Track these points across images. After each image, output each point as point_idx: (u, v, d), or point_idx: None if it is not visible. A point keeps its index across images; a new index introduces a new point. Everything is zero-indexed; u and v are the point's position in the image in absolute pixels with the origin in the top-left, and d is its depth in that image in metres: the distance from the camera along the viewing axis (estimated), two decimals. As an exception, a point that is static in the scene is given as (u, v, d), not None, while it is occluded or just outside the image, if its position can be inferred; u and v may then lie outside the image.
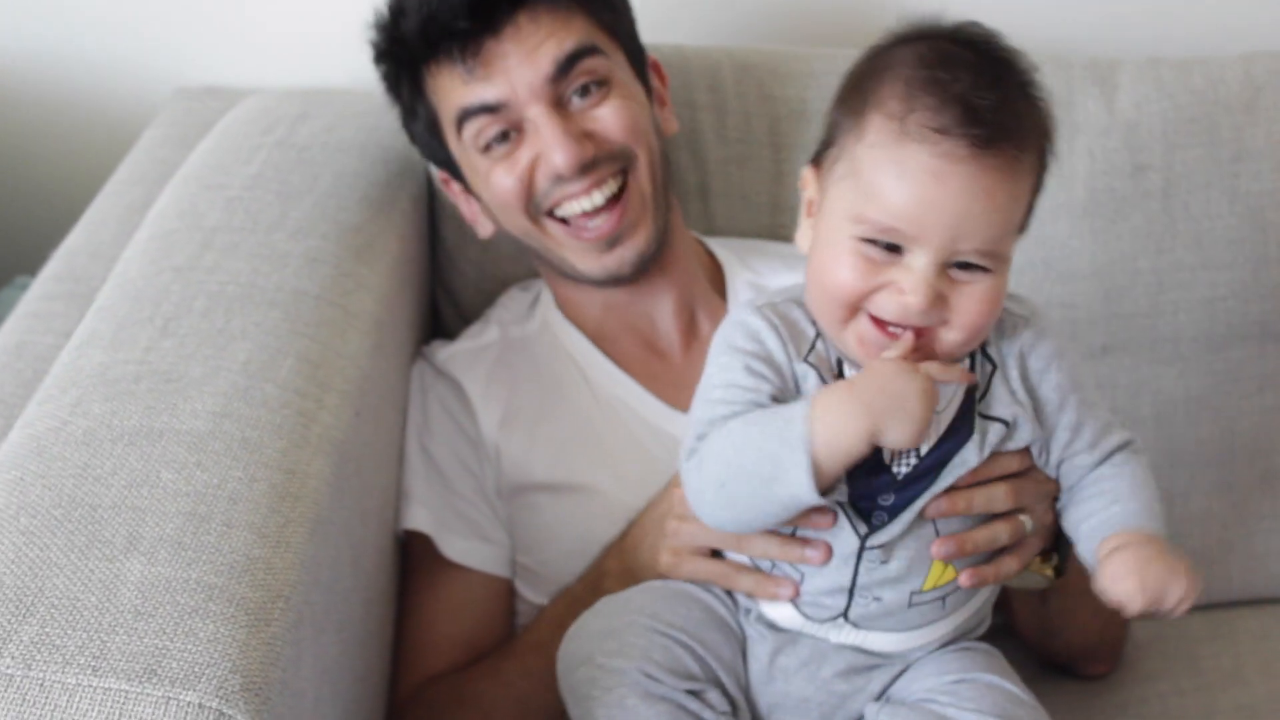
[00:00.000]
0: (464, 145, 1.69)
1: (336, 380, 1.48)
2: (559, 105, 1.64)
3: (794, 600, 1.38)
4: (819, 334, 1.34)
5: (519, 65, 1.63)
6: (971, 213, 1.23)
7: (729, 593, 1.45)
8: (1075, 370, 1.37)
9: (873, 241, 1.25)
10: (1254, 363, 1.94)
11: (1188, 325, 1.93)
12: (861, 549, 1.33)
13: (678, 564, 1.48)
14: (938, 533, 1.34)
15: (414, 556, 1.72)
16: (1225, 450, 1.96)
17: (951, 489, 1.33)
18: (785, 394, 1.32)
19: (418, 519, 1.69)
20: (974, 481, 1.34)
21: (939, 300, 1.25)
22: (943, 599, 1.37)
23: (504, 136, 1.65)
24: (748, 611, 1.43)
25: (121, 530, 1.22)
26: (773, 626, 1.41)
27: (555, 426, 1.74)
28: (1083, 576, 1.62)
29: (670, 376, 1.77)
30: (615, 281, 1.72)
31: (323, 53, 2.10)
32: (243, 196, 1.68)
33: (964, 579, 1.36)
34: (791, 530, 1.36)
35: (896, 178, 1.24)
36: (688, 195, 1.96)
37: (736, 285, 1.83)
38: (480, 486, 1.73)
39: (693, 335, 1.79)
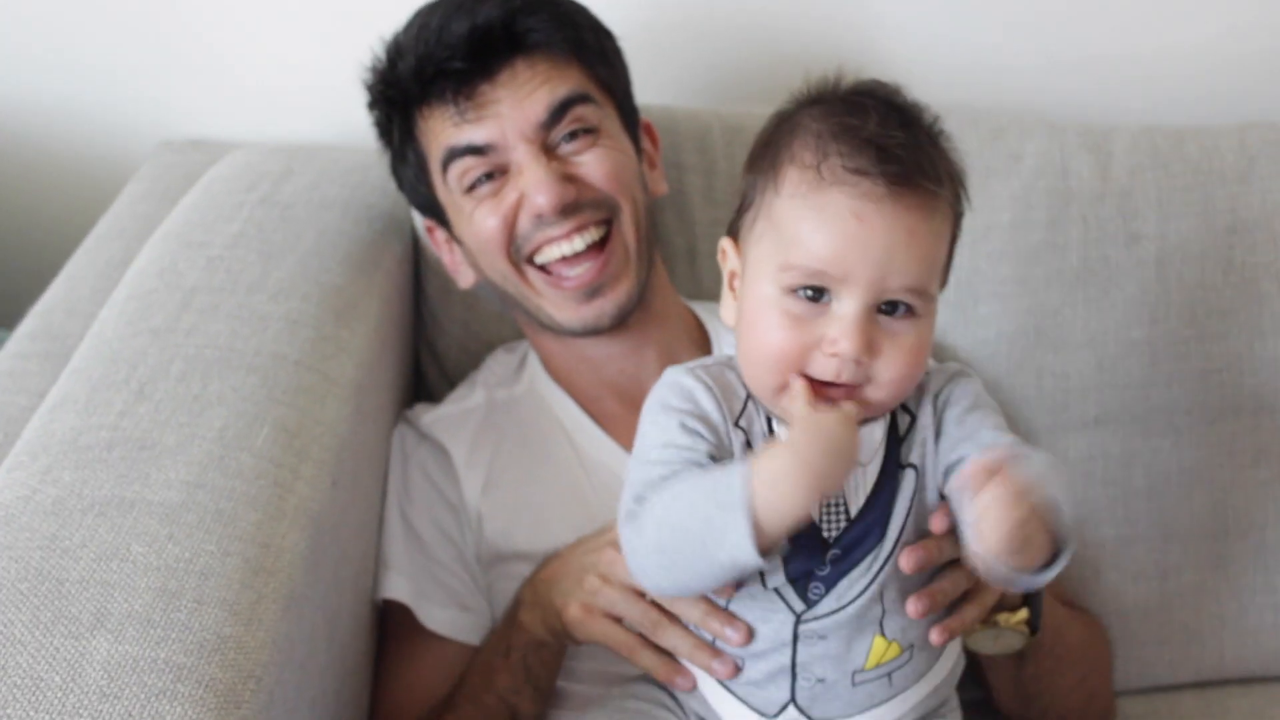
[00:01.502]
0: (449, 186, 1.68)
1: (314, 449, 1.46)
2: (546, 149, 1.65)
3: (740, 696, 1.36)
4: (750, 396, 1.34)
5: (511, 110, 1.63)
6: (896, 249, 1.23)
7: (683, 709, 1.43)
8: (988, 410, 1.34)
9: (798, 294, 1.26)
10: (1248, 435, 1.92)
11: (1181, 397, 1.90)
12: (797, 625, 1.31)
13: (586, 622, 1.47)
14: (883, 606, 1.31)
15: (392, 624, 1.70)
16: (1219, 524, 1.93)
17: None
18: (721, 452, 1.31)
19: (396, 588, 1.67)
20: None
21: (870, 348, 1.24)
22: (888, 676, 1.34)
23: (489, 177, 1.66)
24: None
25: (89, 606, 1.20)
26: None
27: (540, 493, 1.72)
28: (1058, 640, 1.61)
29: (655, 440, 1.75)
30: (593, 332, 1.71)
31: (309, 107, 2.09)
32: (224, 255, 1.67)
33: (934, 636, 1.34)
34: (725, 603, 1.34)
35: (819, 223, 1.25)
36: (675, 258, 1.95)
37: (722, 349, 1.82)
38: (460, 554, 1.71)
39: None
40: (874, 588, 1.30)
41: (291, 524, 1.36)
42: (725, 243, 1.37)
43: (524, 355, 1.84)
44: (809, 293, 1.25)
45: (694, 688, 1.39)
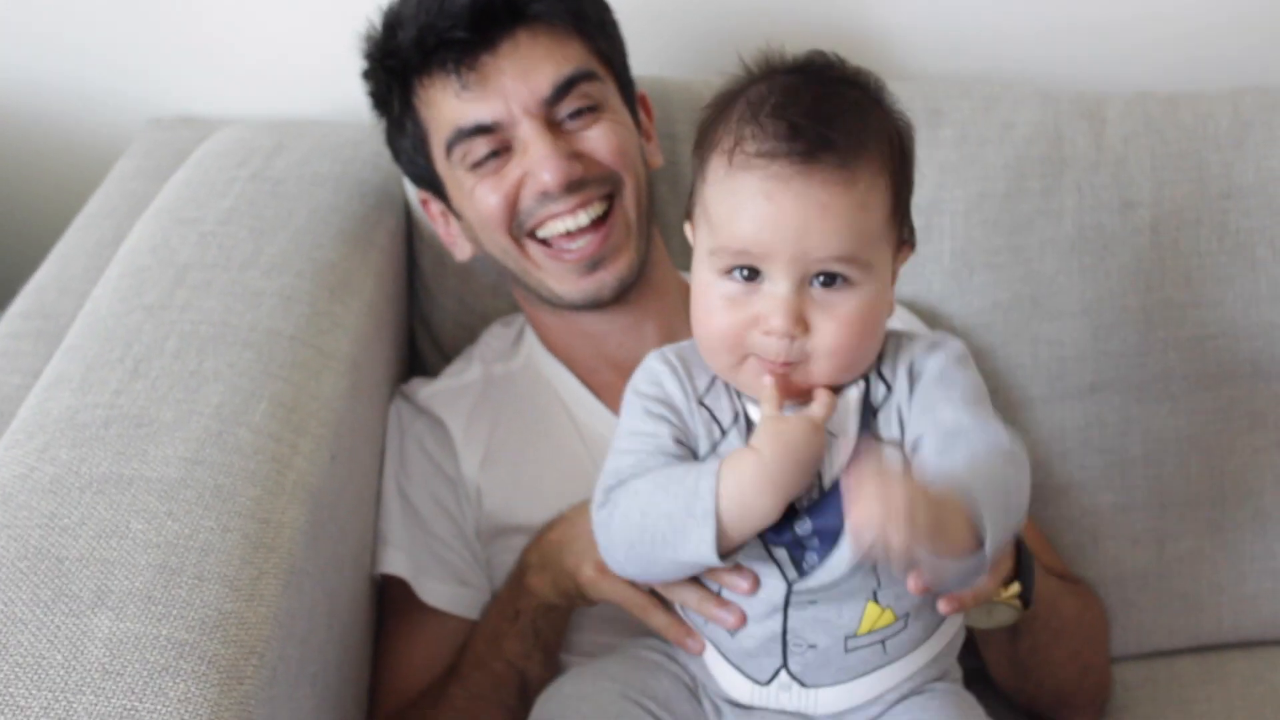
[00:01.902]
0: (451, 163, 1.68)
1: (312, 424, 1.46)
2: (551, 124, 1.65)
3: (734, 663, 1.38)
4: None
5: (514, 83, 1.63)
6: (810, 224, 1.25)
7: (689, 674, 1.45)
8: (953, 383, 1.33)
9: (733, 274, 1.28)
10: (1244, 401, 1.92)
11: (1177, 364, 1.90)
12: (789, 593, 1.32)
13: (600, 582, 1.49)
14: (878, 578, 1.31)
15: (391, 600, 1.70)
16: (1216, 490, 1.93)
17: None
18: (686, 435, 1.34)
19: (394, 564, 1.67)
20: None
21: (801, 322, 1.27)
22: (882, 643, 1.34)
23: (493, 154, 1.66)
24: (703, 686, 1.42)
25: (89, 584, 1.20)
26: (728, 702, 1.40)
27: (538, 466, 1.71)
28: (1052, 613, 1.60)
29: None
30: (593, 306, 1.71)
31: (299, 82, 2.08)
32: (216, 232, 1.66)
33: (942, 606, 1.33)
34: (718, 588, 1.36)
35: (734, 207, 1.27)
36: (670, 230, 1.92)
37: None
38: (459, 529, 1.70)
39: None
40: (865, 561, 1.30)
41: (291, 499, 1.36)
42: (687, 226, 1.39)
43: (520, 329, 1.84)
44: (744, 273, 1.28)
45: (703, 650, 1.41)
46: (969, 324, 1.91)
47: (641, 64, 1.87)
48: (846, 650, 1.33)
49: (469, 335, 1.89)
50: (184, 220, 1.69)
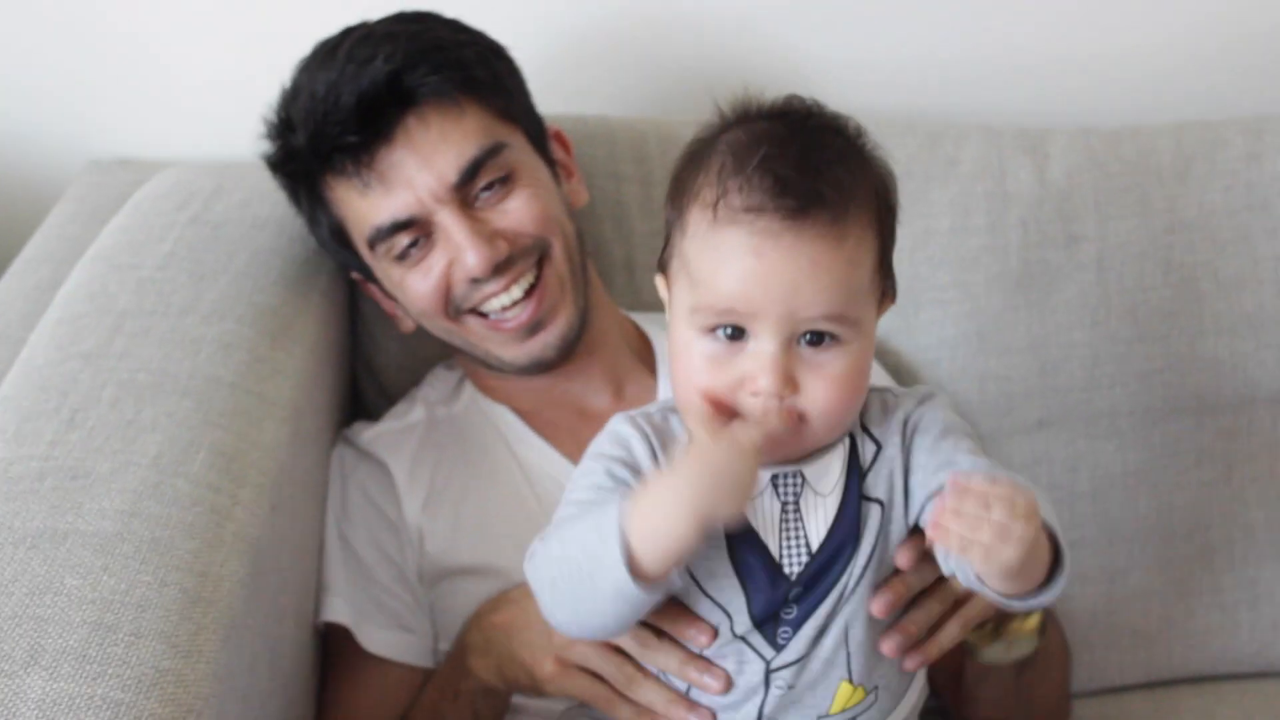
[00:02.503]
0: (376, 257, 1.67)
1: (252, 473, 1.43)
2: (465, 206, 1.63)
3: None
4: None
5: (419, 173, 1.61)
6: (800, 283, 1.20)
7: None
8: (960, 434, 1.31)
9: (716, 334, 1.23)
10: (1191, 436, 1.92)
11: (1124, 399, 1.90)
12: (768, 675, 1.29)
13: (561, 677, 1.44)
14: (848, 649, 1.29)
15: (334, 648, 1.67)
16: (1164, 525, 1.93)
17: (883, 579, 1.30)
18: None
19: (336, 611, 1.64)
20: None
21: (791, 383, 1.22)
22: None
23: (415, 244, 1.64)
24: None
25: (22, 642, 1.17)
26: None
27: (482, 507, 1.70)
28: (1050, 639, 1.58)
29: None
30: (541, 368, 1.70)
31: (240, 123, 2.04)
32: (155, 277, 1.64)
33: (908, 663, 1.32)
34: (687, 687, 1.33)
35: (719, 263, 1.22)
36: (613, 269, 1.93)
37: (664, 356, 1.79)
38: (401, 574, 1.68)
39: (621, 399, 1.77)
40: (837, 627, 1.28)
41: (230, 551, 1.33)
42: (658, 279, 1.35)
43: (463, 372, 1.82)
44: (728, 331, 1.23)
45: None
46: (916, 361, 1.90)
47: (587, 103, 1.87)
48: None
49: (413, 378, 1.86)
50: (122, 266, 1.66)
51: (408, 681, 1.65)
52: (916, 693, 1.39)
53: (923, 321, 1.90)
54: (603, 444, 1.33)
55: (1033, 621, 1.46)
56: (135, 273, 1.64)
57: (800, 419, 1.23)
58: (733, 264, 1.21)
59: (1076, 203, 1.91)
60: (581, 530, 1.24)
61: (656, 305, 1.91)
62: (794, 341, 1.22)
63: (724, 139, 1.26)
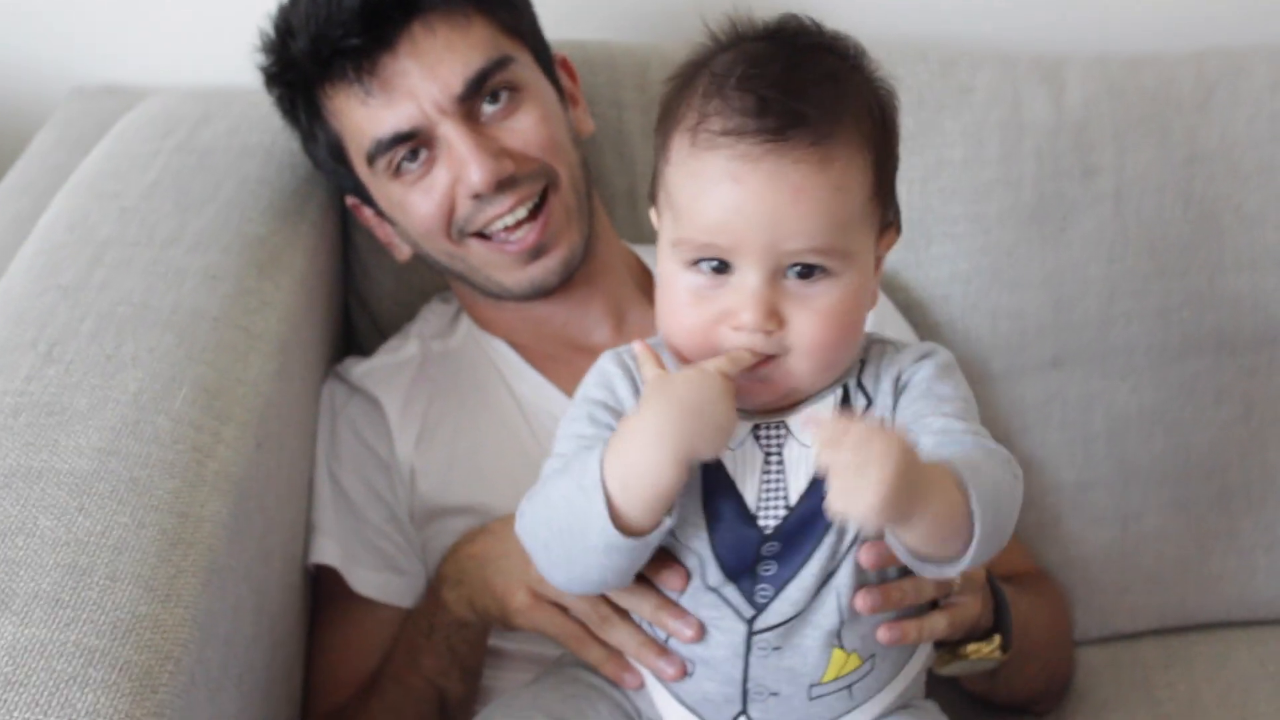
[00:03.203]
0: (375, 173, 1.63)
1: (236, 410, 1.40)
2: (471, 120, 1.59)
3: (689, 705, 1.29)
4: None
5: (423, 82, 1.57)
6: (782, 211, 1.15)
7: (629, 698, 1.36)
8: (942, 397, 1.25)
9: (700, 266, 1.19)
10: (1209, 375, 1.88)
11: (1140, 336, 1.86)
12: (750, 636, 1.24)
13: (533, 610, 1.41)
14: (840, 614, 1.23)
15: (324, 590, 1.65)
16: (1180, 467, 1.89)
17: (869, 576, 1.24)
18: None
19: (325, 552, 1.61)
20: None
21: (775, 317, 1.17)
22: (848, 688, 1.27)
23: (413, 154, 1.60)
24: (646, 716, 1.35)
25: (-8, 586, 1.14)
26: None
27: (477, 444, 1.66)
28: (1025, 638, 1.54)
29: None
30: (541, 294, 1.66)
31: (227, 49, 2.00)
32: (138, 206, 1.60)
33: (882, 634, 1.26)
34: (665, 637, 1.28)
35: (698, 191, 1.18)
36: (615, 200, 1.89)
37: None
38: (392, 514, 1.65)
39: (622, 333, 1.73)
40: (830, 593, 1.23)
41: (212, 491, 1.30)
42: (652, 211, 1.29)
43: (460, 305, 1.79)
44: (713, 264, 1.18)
45: (641, 686, 1.33)
46: (926, 296, 1.87)
47: (588, 29, 1.85)
48: (810, 698, 1.26)
49: (407, 312, 1.83)
50: (104, 194, 1.63)
51: (398, 623, 1.62)
52: (920, 663, 1.34)
53: (933, 255, 1.86)
54: (588, 385, 1.29)
55: (992, 646, 1.42)
56: (117, 201, 1.61)
57: (785, 354, 1.19)
58: (712, 192, 1.17)
59: (1094, 133, 1.86)
60: (564, 487, 1.20)
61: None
62: (780, 274, 1.18)
63: (712, 62, 1.21)
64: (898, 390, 1.25)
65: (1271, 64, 1.92)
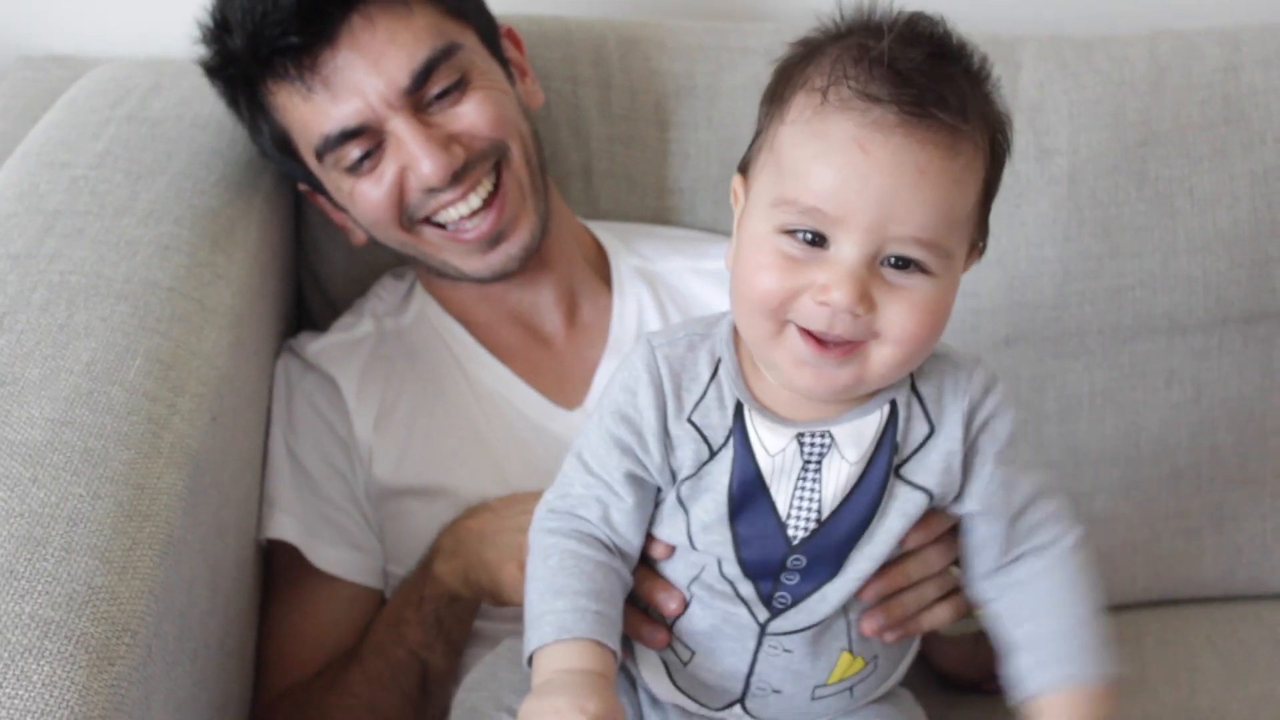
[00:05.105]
0: (325, 168, 1.61)
1: (191, 382, 1.38)
2: (419, 112, 1.56)
3: (683, 689, 1.29)
4: (713, 378, 1.22)
5: (368, 76, 1.54)
6: (901, 190, 1.09)
7: (625, 672, 1.34)
8: (1024, 464, 1.25)
9: (794, 234, 1.12)
10: (1161, 357, 1.89)
11: (1093, 317, 1.87)
12: (762, 637, 1.24)
13: (523, 584, 1.38)
14: (848, 620, 1.24)
15: (278, 566, 1.63)
16: (1131, 448, 1.90)
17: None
18: (646, 468, 1.22)
19: (284, 528, 1.60)
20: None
21: (866, 300, 1.10)
22: (850, 689, 1.27)
23: (366, 154, 1.58)
24: (643, 689, 1.34)
25: (-56, 558, 1.12)
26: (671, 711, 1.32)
27: (431, 425, 1.66)
28: None
29: (552, 367, 1.72)
30: (502, 278, 1.65)
31: (177, 21, 1.97)
32: (89, 176, 1.58)
33: (888, 636, 1.26)
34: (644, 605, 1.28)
35: (818, 151, 1.11)
36: (570, 176, 1.88)
37: (621, 270, 1.77)
38: (350, 491, 1.64)
39: (574, 322, 1.74)
40: (847, 605, 1.24)
41: (168, 463, 1.28)
42: (736, 180, 1.23)
43: (413, 283, 1.78)
44: (808, 236, 1.11)
45: (633, 658, 1.31)
46: (880, 275, 1.85)
47: (544, 3, 1.83)
48: (813, 699, 1.26)
49: (360, 288, 1.82)
50: (54, 164, 1.60)
51: (360, 600, 1.62)
52: (912, 653, 1.35)
53: (889, 235, 1.84)
54: (617, 380, 1.24)
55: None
56: (68, 171, 1.58)
57: (872, 341, 1.13)
58: (833, 156, 1.10)
59: (1048, 114, 1.86)
60: (532, 593, 1.22)
61: (614, 214, 1.88)
62: (876, 260, 1.11)
63: (843, 39, 1.15)
64: (973, 427, 1.21)
65: (1224, 47, 1.91)
